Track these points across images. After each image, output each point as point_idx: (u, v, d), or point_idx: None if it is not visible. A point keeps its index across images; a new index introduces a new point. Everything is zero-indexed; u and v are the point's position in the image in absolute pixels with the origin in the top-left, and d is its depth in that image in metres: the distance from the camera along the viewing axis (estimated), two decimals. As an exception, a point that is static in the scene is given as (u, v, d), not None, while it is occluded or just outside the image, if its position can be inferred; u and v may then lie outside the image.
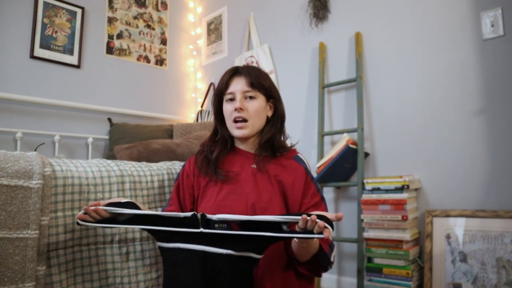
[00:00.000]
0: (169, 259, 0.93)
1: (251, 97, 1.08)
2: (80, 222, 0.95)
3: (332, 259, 1.01)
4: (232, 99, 1.09)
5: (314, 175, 2.03)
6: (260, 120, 1.10)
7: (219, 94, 1.13)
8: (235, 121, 1.08)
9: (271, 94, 1.13)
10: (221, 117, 1.14)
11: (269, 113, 1.15)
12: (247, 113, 1.07)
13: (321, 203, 1.06)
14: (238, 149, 1.15)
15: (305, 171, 1.09)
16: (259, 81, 1.09)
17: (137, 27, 3.02)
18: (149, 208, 1.22)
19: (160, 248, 0.95)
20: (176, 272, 0.90)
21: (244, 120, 1.08)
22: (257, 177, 1.07)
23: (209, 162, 1.11)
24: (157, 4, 3.17)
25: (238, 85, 1.09)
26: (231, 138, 1.15)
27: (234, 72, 1.12)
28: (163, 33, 3.19)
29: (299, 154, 1.15)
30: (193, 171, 1.15)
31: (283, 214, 0.86)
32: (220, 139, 1.16)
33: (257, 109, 1.08)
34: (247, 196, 1.04)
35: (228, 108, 1.10)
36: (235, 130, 1.09)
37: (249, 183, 1.07)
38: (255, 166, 1.09)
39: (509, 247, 1.49)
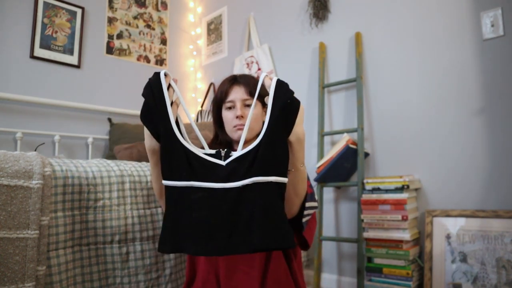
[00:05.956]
0: (181, 199, 0.83)
1: (249, 106, 1.13)
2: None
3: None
4: (231, 107, 1.15)
5: (314, 175, 2.04)
6: (258, 126, 1.15)
7: (218, 102, 1.19)
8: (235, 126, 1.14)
9: None
10: (220, 123, 1.20)
11: None
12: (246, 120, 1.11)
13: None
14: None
15: None
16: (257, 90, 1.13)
17: (137, 27, 3.01)
18: (149, 209, 1.23)
19: (170, 187, 0.84)
20: (191, 215, 0.82)
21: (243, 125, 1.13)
22: None
23: None
24: (157, 4, 3.17)
25: (238, 94, 1.14)
26: (230, 142, 1.21)
27: (233, 81, 1.17)
28: (163, 33, 3.19)
29: None
30: None
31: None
32: (220, 143, 1.22)
33: (255, 116, 1.14)
34: None
35: (228, 115, 1.15)
36: (235, 133, 1.14)
37: None
38: None
39: (509, 247, 1.49)
